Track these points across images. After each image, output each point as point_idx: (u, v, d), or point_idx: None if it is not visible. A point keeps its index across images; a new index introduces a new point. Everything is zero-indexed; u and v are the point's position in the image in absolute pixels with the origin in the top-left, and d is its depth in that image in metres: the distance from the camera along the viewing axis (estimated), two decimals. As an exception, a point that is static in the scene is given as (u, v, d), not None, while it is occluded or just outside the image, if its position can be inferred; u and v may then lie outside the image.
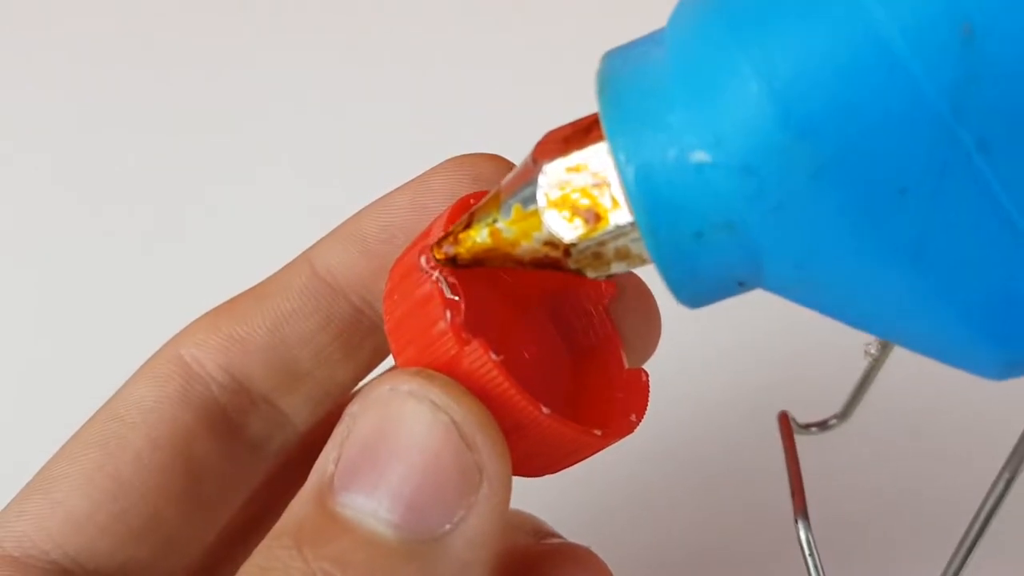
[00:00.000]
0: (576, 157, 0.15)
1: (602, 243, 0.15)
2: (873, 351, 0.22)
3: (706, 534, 0.34)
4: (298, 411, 0.21)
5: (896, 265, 0.13)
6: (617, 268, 0.16)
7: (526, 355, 0.19)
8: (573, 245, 0.15)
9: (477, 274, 0.18)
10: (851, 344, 0.22)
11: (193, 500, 0.20)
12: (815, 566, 0.18)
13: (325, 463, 0.16)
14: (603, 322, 0.19)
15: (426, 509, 0.15)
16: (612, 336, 0.19)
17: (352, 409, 0.16)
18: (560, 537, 0.22)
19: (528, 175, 0.16)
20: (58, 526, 0.19)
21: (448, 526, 0.15)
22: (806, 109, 0.13)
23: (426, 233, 0.17)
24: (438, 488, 0.15)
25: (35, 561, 0.19)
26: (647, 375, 0.19)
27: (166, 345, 0.21)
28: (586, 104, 0.16)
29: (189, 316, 0.21)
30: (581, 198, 0.15)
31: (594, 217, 0.15)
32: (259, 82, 0.47)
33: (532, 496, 0.22)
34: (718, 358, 0.36)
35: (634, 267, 0.16)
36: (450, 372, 0.16)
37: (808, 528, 0.18)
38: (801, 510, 0.19)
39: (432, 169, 0.21)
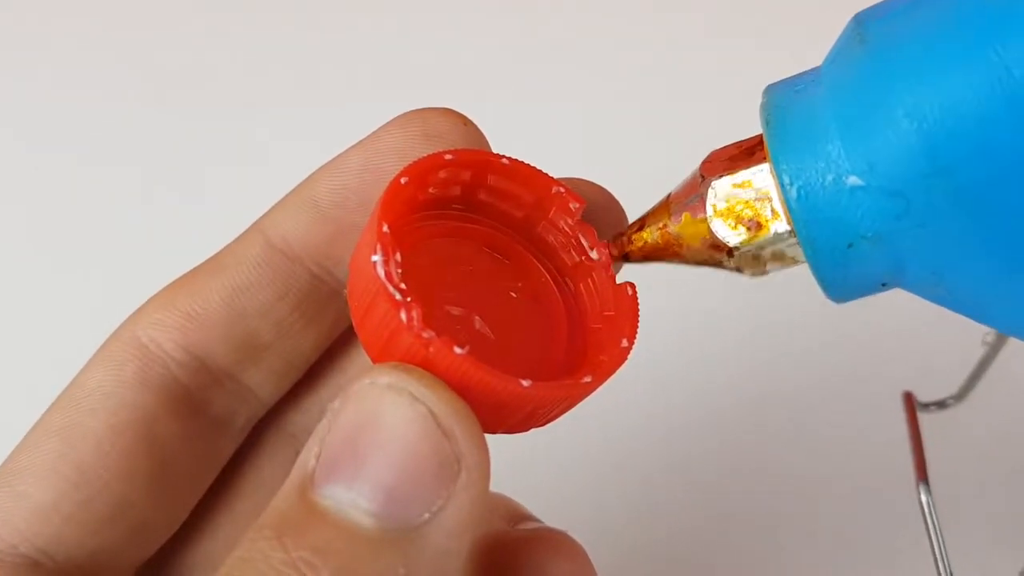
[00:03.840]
0: (742, 175, 0.18)
1: (761, 247, 0.18)
2: (990, 339, 0.24)
3: (700, 521, 0.34)
4: (262, 384, 0.21)
5: (1020, 275, 0.16)
6: (771, 267, 0.19)
7: (502, 312, 0.19)
8: (736, 248, 0.18)
9: (434, 232, 0.19)
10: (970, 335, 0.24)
11: (160, 483, 0.20)
12: (934, 526, 0.21)
13: (307, 457, 0.16)
14: (580, 236, 0.19)
15: (405, 498, 0.15)
16: (596, 248, 0.19)
17: (333, 405, 0.16)
18: (536, 521, 0.22)
19: (696, 188, 0.19)
20: (24, 519, 0.19)
21: (427, 515, 0.15)
22: (949, 147, 0.15)
23: (372, 224, 0.17)
24: (417, 477, 0.15)
25: (3, 555, 0.19)
26: (634, 288, 0.19)
27: (121, 327, 0.20)
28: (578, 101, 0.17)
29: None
30: (745, 209, 0.18)
31: (756, 226, 0.18)
32: (251, 78, 0.46)
33: (518, 480, 0.22)
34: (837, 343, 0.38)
35: (787, 267, 0.19)
36: (423, 366, 0.16)
37: (928, 492, 0.21)
38: (923, 477, 0.21)
39: (382, 127, 0.20)
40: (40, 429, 0.20)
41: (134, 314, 0.21)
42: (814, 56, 0.19)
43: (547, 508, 0.23)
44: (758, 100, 0.18)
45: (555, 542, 0.21)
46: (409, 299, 0.16)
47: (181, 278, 0.21)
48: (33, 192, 0.43)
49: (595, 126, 0.43)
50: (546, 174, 0.19)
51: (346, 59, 0.46)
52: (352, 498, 0.15)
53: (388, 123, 0.20)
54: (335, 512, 0.15)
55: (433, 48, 0.47)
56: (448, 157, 0.18)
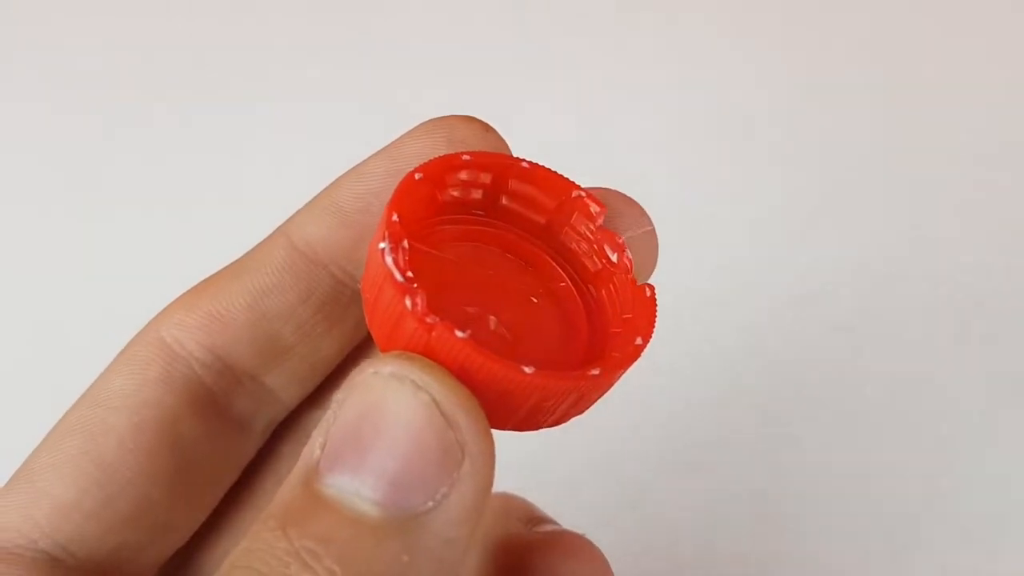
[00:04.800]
0: None
1: None
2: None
3: (713, 520, 0.34)
4: (284, 386, 0.21)
5: None
6: None
7: (522, 316, 0.19)
8: None
9: (457, 235, 0.19)
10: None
11: (181, 482, 0.20)
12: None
13: (312, 449, 0.16)
14: (602, 241, 0.19)
15: (409, 487, 0.15)
16: (618, 254, 0.19)
17: (337, 396, 0.16)
18: (554, 523, 0.22)
19: None
20: (45, 515, 0.19)
21: (431, 503, 0.15)
22: None
23: (383, 216, 0.17)
24: (420, 466, 0.15)
25: (23, 551, 0.19)
26: (652, 290, 0.18)
27: (146, 327, 0.21)
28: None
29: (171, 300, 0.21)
30: None
31: None
32: (276, 83, 0.47)
33: (535, 481, 0.23)
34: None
35: None
36: (427, 354, 0.16)
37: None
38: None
39: (406, 133, 0.20)
40: (62, 427, 0.20)
41: (158, 315, 0.21)
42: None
43: (564, 510, 0.23)
44: (780, 105, 0.17)
45: (572, 545, 0.21)
46: (415, 285, 0.16)
47: (205, 280, 0.21)
48: (56, 194, 0.43)
49: (615, 133, 0.43)
50: (566, 178, 0.19)
51: (368, 65, 0.46)
52: (356, 487, 0.15)
53: (412, 129, 0.20)
54: (338, 501, 0.15)
55: (454, 55, 0.47)
56: (465, 158, 0.18)
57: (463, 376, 0.16)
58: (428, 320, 0.16)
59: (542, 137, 0.33)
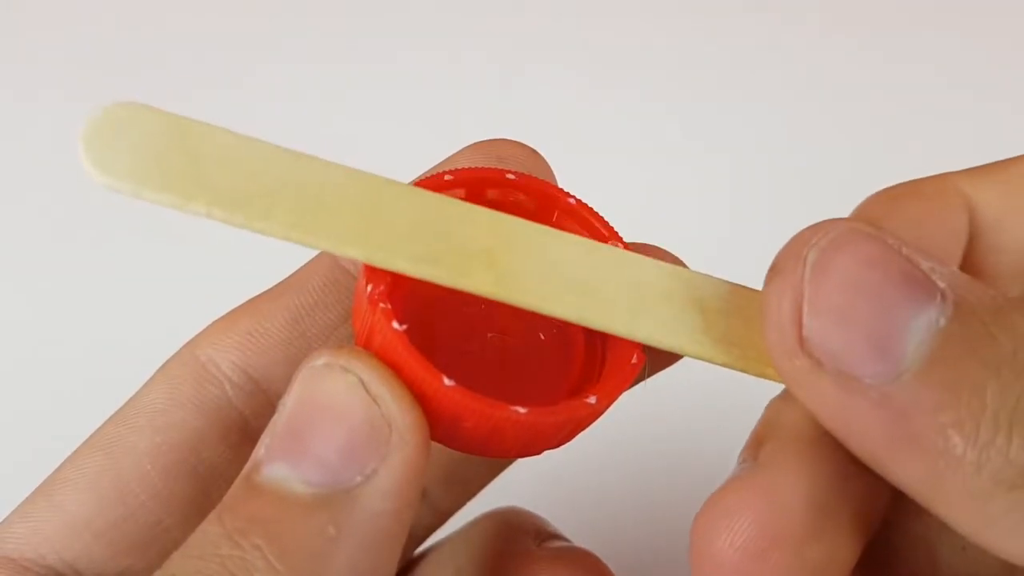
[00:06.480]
0: None
1: None
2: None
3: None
4: None
5: None
6: None
7: (516, 330, 0.18)
8: None
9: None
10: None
11: (201, 510, 0.19)
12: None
13: (258, 449, 0.16)
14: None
15: (337, 463, 0.16)
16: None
17: (283, 398, 0.17)
18: (563, 539, 0.22)
19: None
20: (56, 530, 0.19)
21: (359, 478, 0.16)
22: None
23: None
24: (348, 442, 0.16)
25: (31, 564, 0.19)
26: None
27: (183, 347, 0.21)
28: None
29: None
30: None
31: None
32: (284, 83, 0.46)
33: (541, 493, 0.22)
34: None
35: None
36: (368, 344, 0.16)
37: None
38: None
39: (455, 154, 0.20)
40: (90, 442, 0.20)
41: (197, 335, 0.21)
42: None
43: (574, 526, 0.23)
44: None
45: (580, 562, 0.21)
46: (381, 284, 0.16)
47: (246, 302, 0.21)
48: (110, 219, 0.42)
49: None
50: (608, 226, 0.18)
51: (423, 85, 0.46)
52: (287, 471, 0.16)
53: (462, 149, 0.20)
54: (270, 485, 0.16)
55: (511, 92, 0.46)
56: (510, 176, 0.18)
57: (393, 368, 0.16)
58: (380, 306, 0.16)
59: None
